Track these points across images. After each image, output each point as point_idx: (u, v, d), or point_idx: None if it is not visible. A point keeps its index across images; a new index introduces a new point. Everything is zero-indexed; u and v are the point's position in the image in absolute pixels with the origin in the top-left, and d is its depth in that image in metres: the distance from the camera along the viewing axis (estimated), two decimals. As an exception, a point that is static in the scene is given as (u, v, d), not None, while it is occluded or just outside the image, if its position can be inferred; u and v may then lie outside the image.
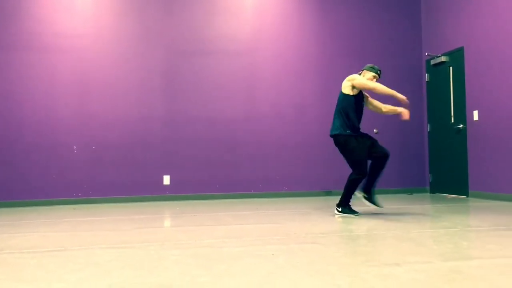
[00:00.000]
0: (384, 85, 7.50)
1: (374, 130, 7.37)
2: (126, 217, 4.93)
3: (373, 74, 4.71)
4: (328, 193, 7.18)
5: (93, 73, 6.73)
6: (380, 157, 4.61)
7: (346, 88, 4.64)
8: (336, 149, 7.32)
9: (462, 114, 6.70)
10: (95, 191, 6.64)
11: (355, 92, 4.63)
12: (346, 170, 7.34)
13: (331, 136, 4.74)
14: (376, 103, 4.94)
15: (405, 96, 7.59)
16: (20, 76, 6.52)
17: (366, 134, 4.76)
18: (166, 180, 6.84)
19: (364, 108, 4.88)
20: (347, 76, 7.40)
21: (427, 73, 7.55)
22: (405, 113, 4.69)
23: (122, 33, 6.84)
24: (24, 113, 6.51)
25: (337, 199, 6.63)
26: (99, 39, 6.78)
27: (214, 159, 6.97)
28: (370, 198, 4.74)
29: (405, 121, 4.80)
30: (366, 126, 7.36)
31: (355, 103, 4.64)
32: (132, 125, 6.79)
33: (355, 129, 4.66)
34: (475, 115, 6.41)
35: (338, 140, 4.67)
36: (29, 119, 6.52)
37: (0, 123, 6.44)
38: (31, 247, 3.23)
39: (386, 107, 4.91)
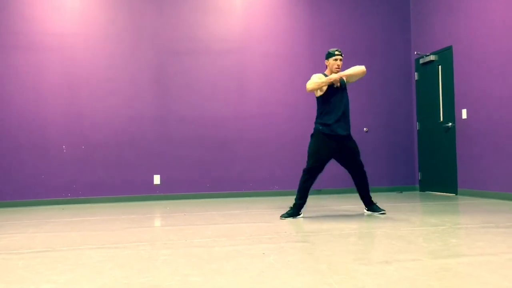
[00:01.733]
0: (374, 83, 7.55)
1: (364, 129, 7.40)
2: (116, 217, 4.90)
3: (332, 59, 4.48)
4: (319, 191, 7.20)
5: (82, 72, 6.68)
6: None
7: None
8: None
9: (451, 112, 6.75)
10: (84, 191, 6.59)
11: (320, 93, 4.50)
12: (337, 169, 7.37)
13: None
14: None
15: (395, 95, 7.64)
16: (8, 76, 6.45)
17: (337, 149, 4.48)
18: (157, 179, 6.81)
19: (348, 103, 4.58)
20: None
21: (416, 72, 7.59)
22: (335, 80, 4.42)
23: (112, 32, 6.80)
24: (12, 113, 6.44)
25: (328, 197, 6.66)
26: (89, 38, 6.73)
27: (205, 158, 6.96)
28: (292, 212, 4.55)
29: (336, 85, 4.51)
30: (356, 125, 7.41)
31: (323, 101, 4.49)
32: (122, 124, 6.75)
33: (327, 125, 4.43)
34: (464, 114, 6.46)
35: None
36: (17, 118, 6.45)
37: (-12, 123, 6.37)
38: (19, 248, 3.20)
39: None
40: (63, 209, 5.89)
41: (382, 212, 4.62)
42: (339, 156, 4.55)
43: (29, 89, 6.50)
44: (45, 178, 6.49)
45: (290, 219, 4.38)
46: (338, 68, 4.49)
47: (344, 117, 4.50)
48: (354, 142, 4.56)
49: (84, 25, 6.72)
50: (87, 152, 6.63)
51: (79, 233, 3.84)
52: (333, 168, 7.31)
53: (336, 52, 4.50)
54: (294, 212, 4.47)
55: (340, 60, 4.50)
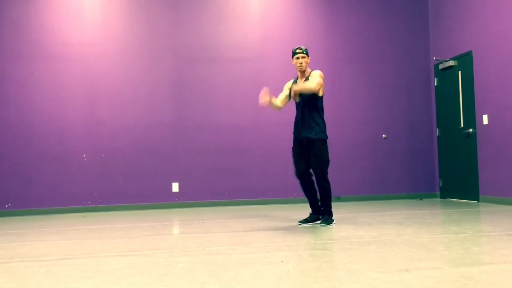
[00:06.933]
0: (393, 89, 7.50)
1: (383, 135, 7.34)
2: (135, 224, 4.94)
3: (295, 58, 4.47)
4: (338, 199, 7.15)
5: (101, 81, 6.78)
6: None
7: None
8: (346, 154, 7.33)
9: (471, 118, 6.65)
10: (104, 199, 6.67)
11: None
12: (356, 176, 7.32)
13: None
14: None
15: (414, 101, 7.56)
16: (29, 85, 6.59)
17: (298, 145, 4.51)
18: (175, 187, 6.85)
19: (304, 107, 4.48)
20: (353, 81, 7.41)
21: (435, 77, 7.51)
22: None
23: (131, 41, 6.89)
24: (34, 122, 6.57)
25: (347, 204, 6.61)
26: (108, 47, 6.83)
27: (223, 166, 6.98)
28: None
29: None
30: (375, 130, 7.36)
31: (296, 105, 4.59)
32: (140, 132, 6.83)
33: (295, 130, 4.55)
34: (485, 119, 6.36)
35: None
36: (38, 127, 6.57)
37: (10, 132, 6.51)
38: (41, 256, 3.25)
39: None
40: (84, 216, 5.96)
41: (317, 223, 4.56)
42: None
43: (50, 98, 6.63)
44: (66, 186, 6.58)
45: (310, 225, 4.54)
46: (301, 66, 4.43)
47: (304, 120, 4.45)
48: (317, 149, 4.42)
49: (104, 35, 6.83)
50: (107, 160, 6.71)
51: (99, 240, 3.88)
52: (351, 176, 7.26)
53: (298, 50, 4.44)
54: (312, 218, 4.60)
55: (302, 57, 4.42)
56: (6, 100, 6.53)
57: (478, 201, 6.50)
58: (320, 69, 7.32)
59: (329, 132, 7.26)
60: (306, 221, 4.53)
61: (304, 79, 4.48)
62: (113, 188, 6.70)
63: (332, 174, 7.19)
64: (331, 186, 7.07)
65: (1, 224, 5.36)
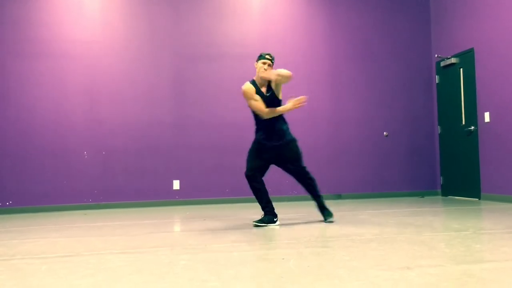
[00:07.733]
0: (395, 87, 7.48)
1: (384, 133, 7.33)
2: (137, 222, 4.94)
3: (261, 62, 4.38)
4: (339, 196, 7.14)
5: (102, 79, 6.78)
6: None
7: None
8: (347, 152, 7.32)
9: (473, 116, 6.64)
10: (105, 196, 6.67)
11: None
12: (357, 174, 7.32)
13: None
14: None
15: (416, 98, 7.55)
16: (29, 83, 6.58)
17: (265, 151, 4.51)
18: (176, 184, 6.85)
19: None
20: (354, 79, 7.39)
21: (437, 75, 7.49)
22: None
23: (131, 39, 6.88)
24: (34, 120, 6.57)
25: (348, 202, 6.60)
26: (108, 45, 6.82)
27: (224, 163, 6.98)
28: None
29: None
30: (376, 128, 7.35)
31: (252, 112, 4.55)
32: (141, 130, 6.82)
33: (259, 136, 4.55)
34: (487, 117, 6.35)
35: None
36: (39, 125, 6.57)
37: (11, 129, 6.51)
38: (42, 253, 3.25)
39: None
40: (85, 214, 5.97)
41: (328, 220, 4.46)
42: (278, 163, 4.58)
43: (50, 96, 6.62)
44: (67, 184, 6.59)
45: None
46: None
47: (274, 129, 4.49)
48: (293, 150, 4.50)
49: (104, 33, 6.82)
50: (107, 158, 6.71)
51: (101, 238, 3.89)
52: (352, 174, 7.26)
53: (267, 56, 4.37)
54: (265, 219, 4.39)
55: (269, 65, 4.36)
56: (6, 98, 6.53)
57: (479, 199, 6.49)
58: (320, 67, 7.31)
59: (329, 130, 7.27)
60: (261, 221, 4.34)
61: (265, 84, 4.43)
62: (114, 186, 6.70)
63: (333, 172, 7.20)
64: (331, 184, 7.10)
65: (2, 222, 5.37)
